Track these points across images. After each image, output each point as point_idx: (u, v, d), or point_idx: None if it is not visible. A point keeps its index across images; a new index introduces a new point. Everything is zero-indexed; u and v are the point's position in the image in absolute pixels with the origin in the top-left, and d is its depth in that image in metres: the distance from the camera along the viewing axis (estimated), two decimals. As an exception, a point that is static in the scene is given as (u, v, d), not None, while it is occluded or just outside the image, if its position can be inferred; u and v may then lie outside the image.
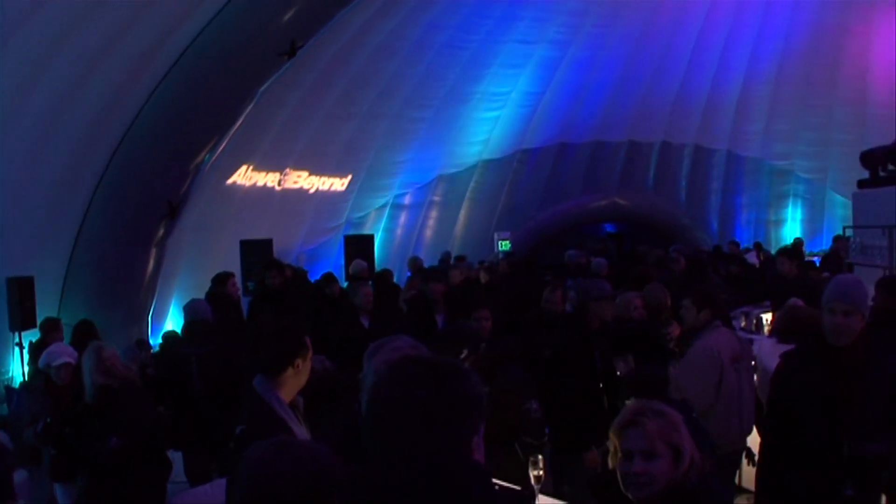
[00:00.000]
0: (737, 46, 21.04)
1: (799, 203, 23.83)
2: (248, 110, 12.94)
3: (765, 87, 21.85)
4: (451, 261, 16.69)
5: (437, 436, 2.05)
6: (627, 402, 5.10)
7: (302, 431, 3.95)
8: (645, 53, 20.26)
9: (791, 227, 23.72)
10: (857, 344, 4.31)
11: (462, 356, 5.25)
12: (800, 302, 6.88)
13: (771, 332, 7.66)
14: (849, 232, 12.81)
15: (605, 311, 7.12)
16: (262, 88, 12.89)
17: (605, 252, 17.50)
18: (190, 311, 7.99)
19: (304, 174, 17.01)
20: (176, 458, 7.09)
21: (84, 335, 8.47)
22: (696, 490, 2.96)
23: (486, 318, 6.83)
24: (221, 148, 13.11)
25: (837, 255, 14.71)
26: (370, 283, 10.81)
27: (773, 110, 22.27)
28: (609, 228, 25.52)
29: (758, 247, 19.64)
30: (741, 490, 7.25)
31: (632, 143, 22.45)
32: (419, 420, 2.05)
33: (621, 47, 20.01)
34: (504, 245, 20.67)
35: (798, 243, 18.85)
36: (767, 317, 9.37)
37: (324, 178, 17.54)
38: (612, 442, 3.05)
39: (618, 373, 6.50)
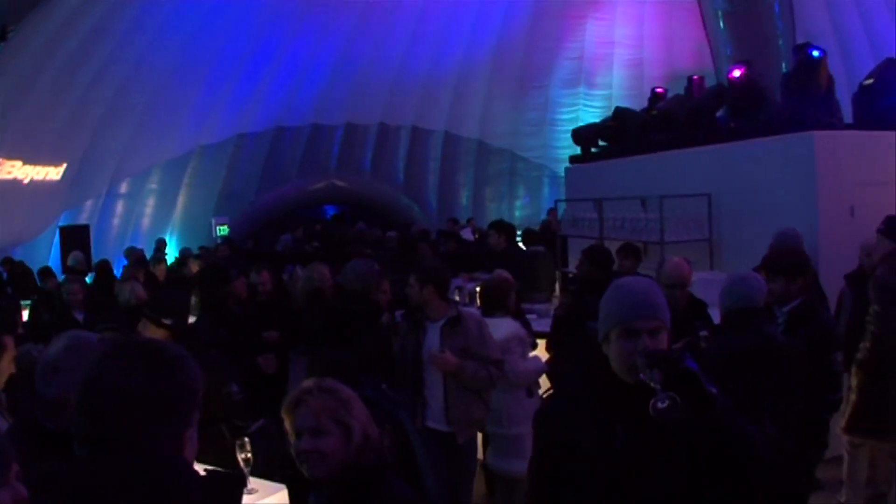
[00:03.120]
0: (455, 29, 21.33)
1: (518, 180, 24.32)
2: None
3: (483, 69, 22.19)
4: (165, 249, 16.76)
5: (148, 428, 1.95)
6: None
7: (4, 425, 3.69)
8: (363, 36, 20.37)
9: (510, 203, 24.26)
10: None
11: (168, 323, 5.25)
12: (505, 273, 6.94)
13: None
14: (561, 205, 13.17)
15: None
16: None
17: (323, 234, 17.69)
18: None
19: (18, 164, 16.33)
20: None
21: None
22: (372, 468, 2.97)
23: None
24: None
25: (549, 228, 15.17)
26: (89, 275, 10.33)
27: (491, 92, 22.66)
28: (330, 210, 25.51)
29: (472, 223, 19.94)
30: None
31: (349, 125, 22.55)
32: (131, 411, 1.94)
33: (340, 30, 20.09)
34: (222, 230, 20.64)
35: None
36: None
37: (38, 168, 16.86)
38: (286, 421, 3.05)
39: None
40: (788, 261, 5.47)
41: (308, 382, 3.10)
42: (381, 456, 3.05)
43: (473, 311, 6.46)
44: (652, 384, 2.57)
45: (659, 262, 5.96)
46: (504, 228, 10.74)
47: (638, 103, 14.50)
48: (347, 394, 3.06)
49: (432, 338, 5.90)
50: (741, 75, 9.57)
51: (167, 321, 5.37)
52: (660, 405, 2.54)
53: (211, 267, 8.79)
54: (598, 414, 2.82)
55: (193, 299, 9.40)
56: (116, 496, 1.89)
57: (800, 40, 11.93)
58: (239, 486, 2.28)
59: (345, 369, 4.21)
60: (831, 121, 8.37)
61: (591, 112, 21.46)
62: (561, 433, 2.91)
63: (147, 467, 1.92)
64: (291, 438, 3.02)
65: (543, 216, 19.85)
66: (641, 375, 2.62)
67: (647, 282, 3.20)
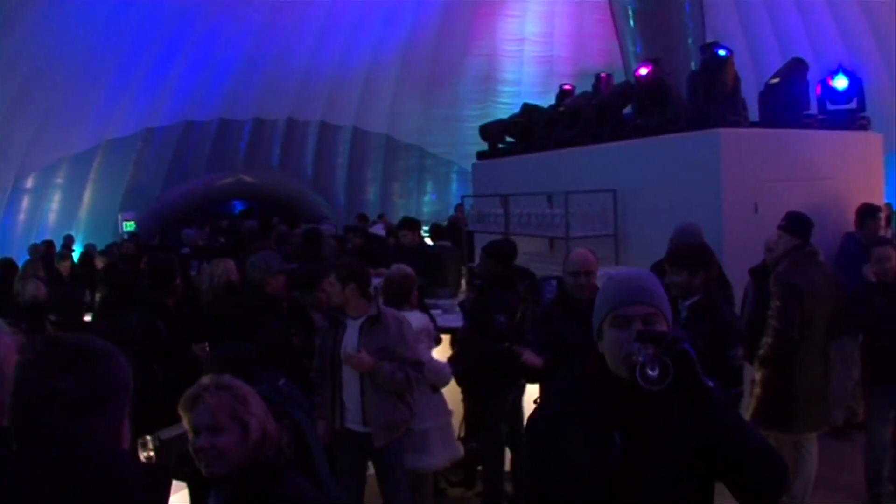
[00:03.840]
0: (365, 24, 21.32)
1: (427, 176, 24.37)
2: None
3: (393, 65, 22.19)
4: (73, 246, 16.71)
5: (82, 424, 1.94)
6: None
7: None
8: (273, 30, 20.30)
9: (418, 199, 24.27)
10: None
11: (52, 320, 5.37)
12: (405, 268, 6.92)
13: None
14: (467, 201, 13.13)
15: (279, 284, 7.08)
16: None
17: (231, 230, 17.63)
18: None
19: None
20: None
21: None
22: (271, 464, 2.97)
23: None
24: None
25: (455, 224, 15.16)
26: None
27: (400, 87, 22.64)
28: (238, 206, 25.41)
29: (384, 219, 19.82)
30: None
31: (257, 119, 22.43)
32: (65, 409, 1.93)
33: (249, 24, 19.98)
34: (129, 226, 20.39)
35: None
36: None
37: (-59, 161, 16.70)
38: (183, 419, 3.05)
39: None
40: (691, 254, 5.48)
41: (205, 379, 3.09)
42: (281, 452, 3.05)
43: (394, 310, 6.22)
44: (643, 358, 2.31)
45: (565, 254, 5.89)
46: (415, 225, 10.87)
47: (548, 100, 14.54)
48: (245, 390, 3.05)
49: (350, 336, 5.75)
50: (648, 73, 9.60)
51: (52, 317, 5.31)
52: (650, 372, 2.29)
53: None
54: (592, 420, 2.55)
55: (98, 296, 9.32)
56: (58, 490, 1.87)
57: (709, 39, 12.04)
58: (169, 478, 2.21)
59: (241, 364, 4.19)
60: (737, 119, 8.43)
61: (500, 108, 21.46)
62: (551, 442, 2.65)
63: (87, 460, 1.92)
64: (190, 436, 3.00)
65: (451, 212, 19.85)
66: (634, 358, 2.35)
67: (642, 271, 3.02)
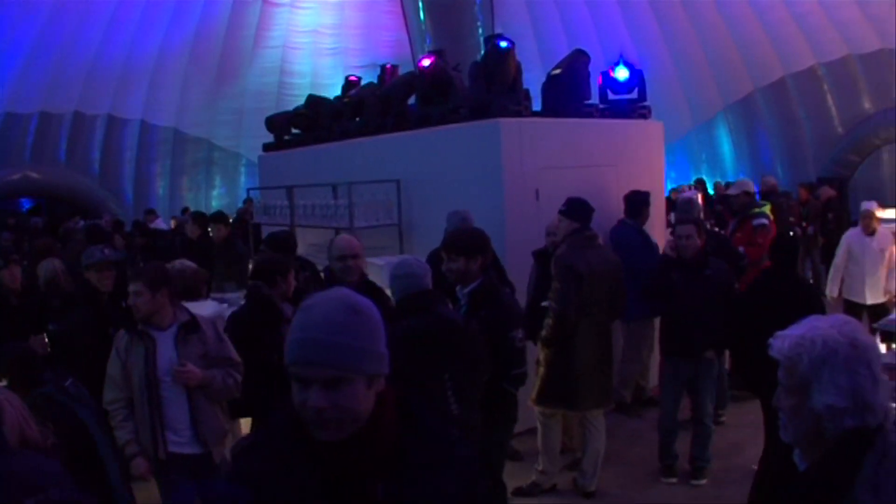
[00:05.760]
0: (154, 15, 21.03)
1: (215, 170, 24.08)
2: None
3: (181, 57, 21.93)
4: None
5: None
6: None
7: None
8: (59, 19, 19.79)
9: (207, 193, 24.00)
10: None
11: None
12: (189, 263, 6.88)
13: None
14: (254, 193, 12.94)
15: (107, 279, 6.72)
16: None
17: (19, 227, 17.16)
18: None
19: None
20: None
21: None
22: None
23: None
24: None
25: (242, 217, 14.98)
26: None
27: (188, 80, 22.37)
28: (26, 203, 24.83)
29: (188, 212, 19.20)
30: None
31: (43, 113, 21.70)
32: None
33: (36, 13, 19.49)
34: None
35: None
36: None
37: None
38: None
39: None
40: (468, 240, 5.47)
41: None
42: (45, 454, 2.96)
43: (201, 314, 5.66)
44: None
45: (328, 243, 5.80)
46: (227, 220, 10.92)
47: (339, 92, 14.46)
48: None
49: (165, 349, 5.05)
50: (431, 64, 9.60)
51: None
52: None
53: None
54: (294, 469, 2.10)
55: None
56: None
57: (498, 32, 12.20)
58: None
59: (24, 365, 4.22)
60: (517, 109, 8.53)
61: (291, 100, 21.27)
62: (252, 483, 2.13)
63: None
64: None
65: (240, 205, 19.61)
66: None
67: (336, 307, 2.09)
